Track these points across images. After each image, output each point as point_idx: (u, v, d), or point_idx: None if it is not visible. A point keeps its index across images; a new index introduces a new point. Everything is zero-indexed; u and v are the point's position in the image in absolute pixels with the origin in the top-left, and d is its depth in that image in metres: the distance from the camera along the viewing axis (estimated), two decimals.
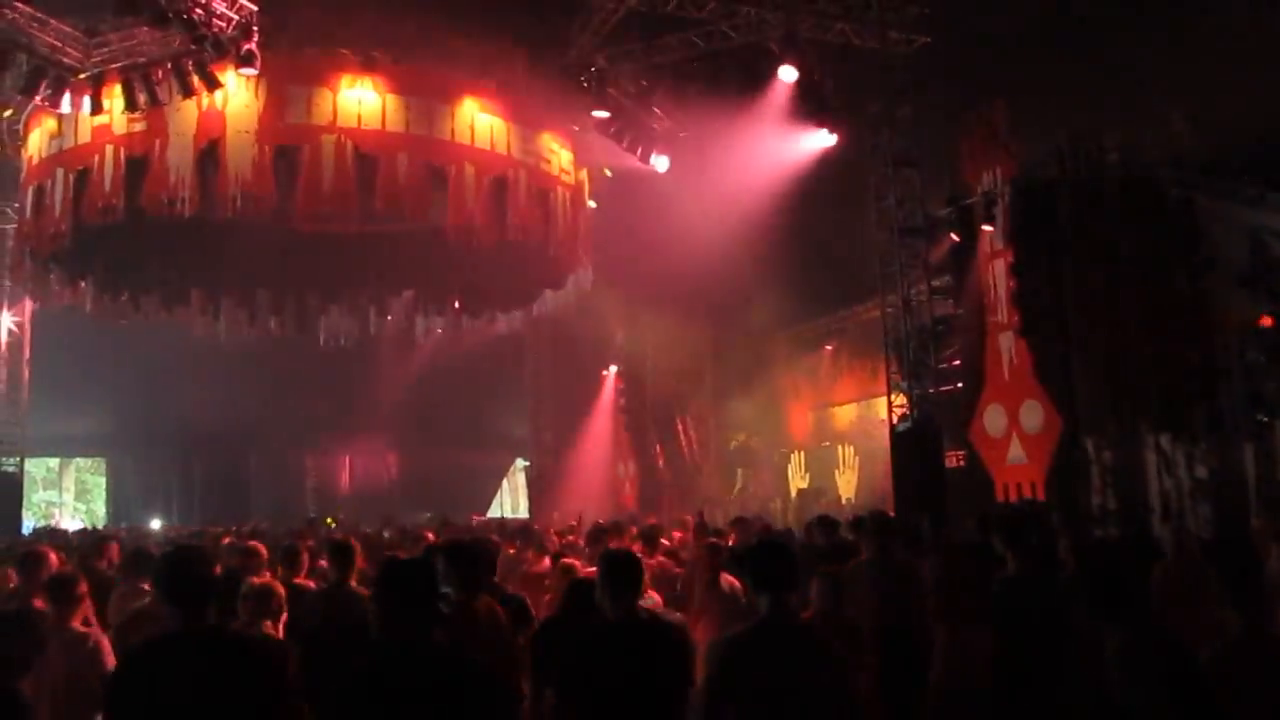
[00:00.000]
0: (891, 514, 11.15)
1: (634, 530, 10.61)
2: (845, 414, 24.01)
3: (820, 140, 16.47)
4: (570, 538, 11.46)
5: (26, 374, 21.55)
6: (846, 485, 22.95)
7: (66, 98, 14.35)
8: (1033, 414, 14.68)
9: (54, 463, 28.96)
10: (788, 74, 15.46)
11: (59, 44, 14.12)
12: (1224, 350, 13.81)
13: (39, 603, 5.12)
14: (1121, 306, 13.61)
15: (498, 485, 32.15)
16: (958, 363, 16.54)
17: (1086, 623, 3.86)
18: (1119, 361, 13.78)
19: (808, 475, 24.33)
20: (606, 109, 16.34)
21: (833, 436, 24.15)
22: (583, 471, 26.47)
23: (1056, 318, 14.30)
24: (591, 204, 18.34)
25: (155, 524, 23.54)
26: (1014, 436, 14.97)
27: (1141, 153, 14.38)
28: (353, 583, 6.12)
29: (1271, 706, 3.77)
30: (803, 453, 24.65)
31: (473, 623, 5.04)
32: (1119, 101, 14.68)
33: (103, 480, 29.10)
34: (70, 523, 25.39)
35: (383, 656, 3.42)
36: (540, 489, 27.16)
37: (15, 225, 17.62)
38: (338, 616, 5.69)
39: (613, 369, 26.60)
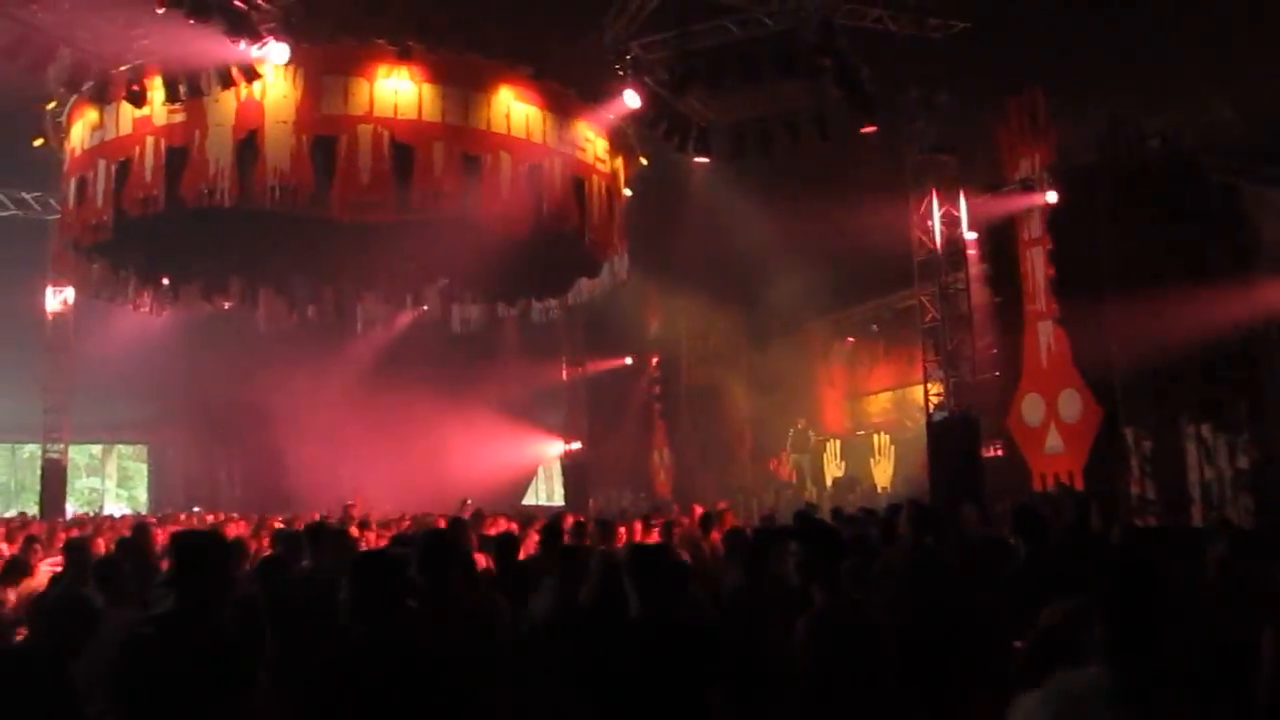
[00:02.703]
0: (928, 503, 11.13)
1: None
2: (880, 402, 23.90)
3: (858, 127, 16.32)
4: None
5: (71, 361, 21.94)
6: (882, 474, 22.85)
7: (108, 90, 14.51)
8: (1071, 403, 14.57)
9: (97, 449, 29.34)
10: (823, 61, 15.34)
11: (100, 37, 14.27)
12: (1267, 339, 13.63)
13: None
14: (1162, 294, 13.47)
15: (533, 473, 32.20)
16: (995, 351, 16.42)
17: None
18: (1159, 350, 13.65)
19: (843, 463, 24.25)
20: (642, 97, 16.29)
21: (868, 425, 24.04)
22: (618, 459, 26.55)
23: (1095, 306, 14.16)
24: (627, 191, 18.31)
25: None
26: (1052, 426, 14.87)
27: (1183, 138, 14.20)
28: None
29: None
30: (838, 441, 24.56)
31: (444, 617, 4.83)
32: (1159, 87, 14.47)
33: (144, 467, 29.44)
34: (114, 509, 25.73)
35: (352, 647, 3.58)
36: (575, 477, 27.20)
37: (58, 217, 17.83)
38: None
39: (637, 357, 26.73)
